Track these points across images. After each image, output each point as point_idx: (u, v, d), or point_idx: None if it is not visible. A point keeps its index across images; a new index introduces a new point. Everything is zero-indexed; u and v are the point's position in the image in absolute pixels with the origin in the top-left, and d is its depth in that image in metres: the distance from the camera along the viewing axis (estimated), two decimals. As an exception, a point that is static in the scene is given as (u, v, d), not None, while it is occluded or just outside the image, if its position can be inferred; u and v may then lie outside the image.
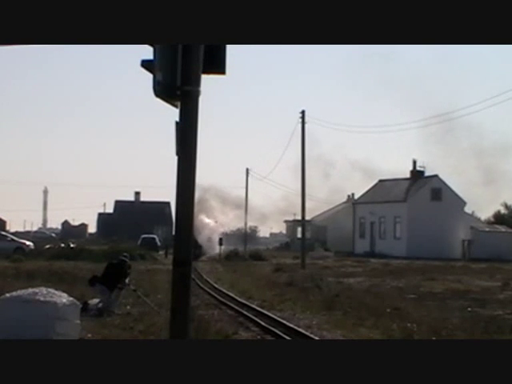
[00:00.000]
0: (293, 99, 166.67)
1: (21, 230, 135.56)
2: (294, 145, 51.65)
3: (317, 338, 15.39)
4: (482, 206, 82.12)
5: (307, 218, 56.13)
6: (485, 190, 78.97)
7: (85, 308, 17.61)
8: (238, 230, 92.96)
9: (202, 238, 69.21)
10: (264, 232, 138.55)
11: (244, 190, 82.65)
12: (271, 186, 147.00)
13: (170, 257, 15.15)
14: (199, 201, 72.78)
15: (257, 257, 59.92)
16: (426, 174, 70.07)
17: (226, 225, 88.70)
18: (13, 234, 72.16)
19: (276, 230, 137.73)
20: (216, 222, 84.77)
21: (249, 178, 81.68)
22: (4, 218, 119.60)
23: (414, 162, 70.53)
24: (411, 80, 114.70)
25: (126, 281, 20.62)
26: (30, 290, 14.04)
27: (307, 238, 56.85)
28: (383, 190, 71.89)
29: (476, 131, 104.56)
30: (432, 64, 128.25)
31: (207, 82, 9.00)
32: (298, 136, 50.56)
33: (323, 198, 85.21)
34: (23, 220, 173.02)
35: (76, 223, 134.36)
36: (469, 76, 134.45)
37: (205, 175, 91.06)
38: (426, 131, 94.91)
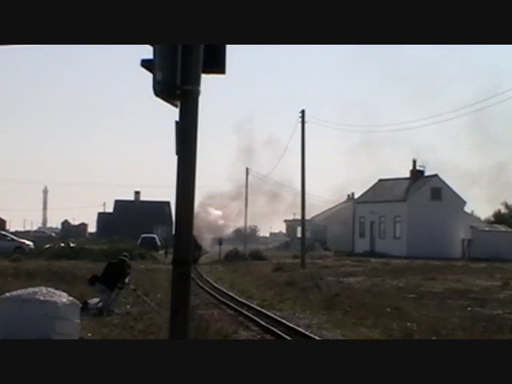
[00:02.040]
0: (294, 99, 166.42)
1: (21, 229, 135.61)
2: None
3: (317, 338, 15.38)
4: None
5: (307, 217, 56.10)
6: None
7: (85, 307, 17.60)
8: (238, 229, 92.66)
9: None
10: (264, 231, 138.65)
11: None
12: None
13: (170, 256, 15.15)
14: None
15: (257, 256, 59.88)
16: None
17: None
18: (13, 233, 72.16)
19: (276, 230, 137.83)
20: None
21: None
22: (4, 217, 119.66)
23: (414, 162, 70.51)
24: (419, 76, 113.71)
25: (126, 280, 20.62)
26: (30, 290, 14.03)
27: (307, 238, 56.78)
28: (383, 190, 71.82)
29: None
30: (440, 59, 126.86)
31: (207, 81, 9.02)
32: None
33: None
34: (23, 219, 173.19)
35: (76, 223, 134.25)
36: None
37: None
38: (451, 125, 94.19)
